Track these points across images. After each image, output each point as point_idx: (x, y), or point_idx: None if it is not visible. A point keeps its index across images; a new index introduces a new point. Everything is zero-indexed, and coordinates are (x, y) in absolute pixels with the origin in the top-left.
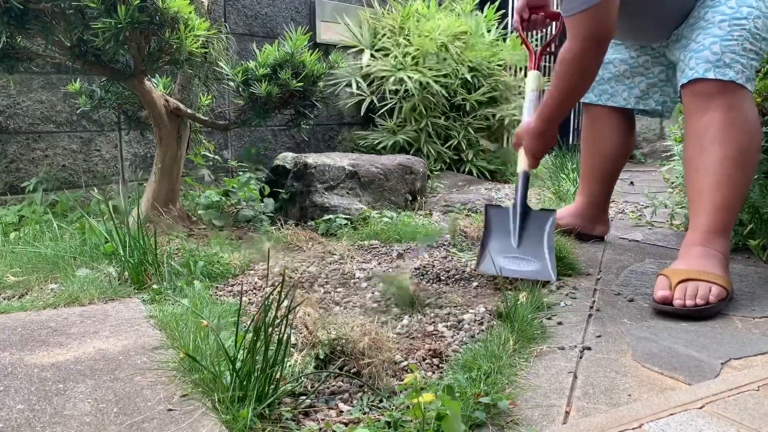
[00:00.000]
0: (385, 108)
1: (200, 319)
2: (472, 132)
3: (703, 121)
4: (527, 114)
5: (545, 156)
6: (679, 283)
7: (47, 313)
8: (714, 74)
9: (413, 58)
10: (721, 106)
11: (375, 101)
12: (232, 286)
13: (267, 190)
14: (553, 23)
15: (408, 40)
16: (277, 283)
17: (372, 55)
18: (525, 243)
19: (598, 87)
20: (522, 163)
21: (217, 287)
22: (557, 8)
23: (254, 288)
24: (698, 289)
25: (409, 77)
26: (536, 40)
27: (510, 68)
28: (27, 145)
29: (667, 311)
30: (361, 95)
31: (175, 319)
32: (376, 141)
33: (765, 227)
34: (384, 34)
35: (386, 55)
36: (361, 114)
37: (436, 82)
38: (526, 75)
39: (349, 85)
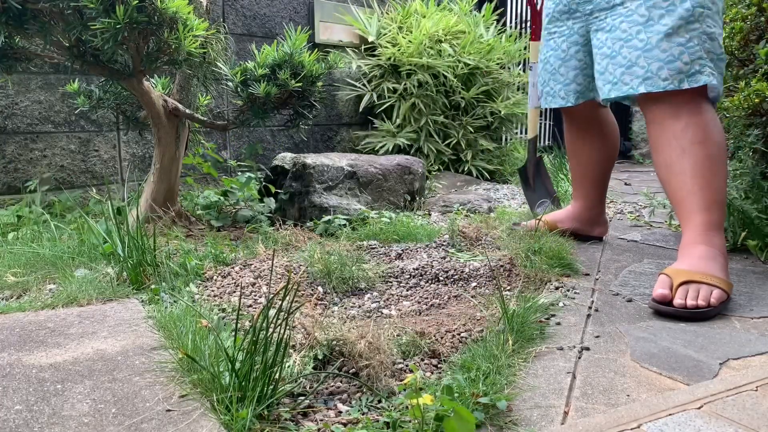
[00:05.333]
0: (384, 106)
1: (200, 319)
2: (471, 131)
3: (679, 125)
4: (531, 85)
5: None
6: (681, 284)
7: (45, 314)
8: (688, 83)
9: (419, 45)
10: (692, 109)
11: (374, 97)
12: (228, 285)
13: (273, 189)
14: None
15: (409, 39)
16: (275, 283)
17: (377, 45)
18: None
19: (565, 88)
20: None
21: (212, 288)
22: None
23: (252, 285)
24: (700, 291)
25: (422, 65)
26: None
27: (508, 67)
28: (25, 146)
29: (667, 312)
30: (360, 90)
31: (174, 320)
32: (377, 146)
33: (756, 229)
34: (386, 33)
35: (393, 45)
36: (360, 110)
37: (448, 68)
38: (524, 70)
39: (352, 80)
